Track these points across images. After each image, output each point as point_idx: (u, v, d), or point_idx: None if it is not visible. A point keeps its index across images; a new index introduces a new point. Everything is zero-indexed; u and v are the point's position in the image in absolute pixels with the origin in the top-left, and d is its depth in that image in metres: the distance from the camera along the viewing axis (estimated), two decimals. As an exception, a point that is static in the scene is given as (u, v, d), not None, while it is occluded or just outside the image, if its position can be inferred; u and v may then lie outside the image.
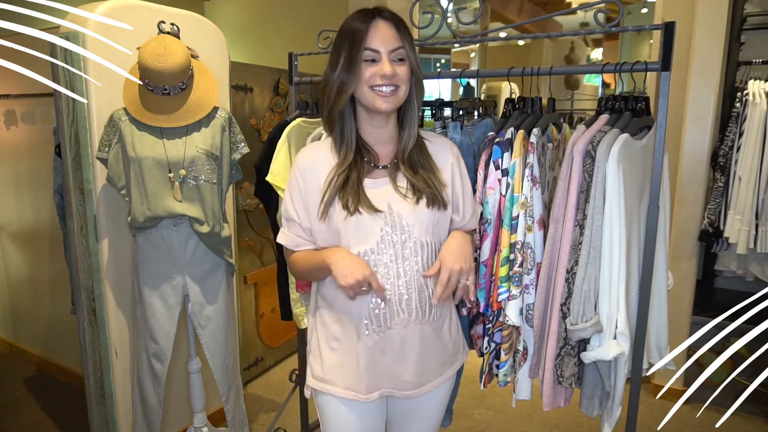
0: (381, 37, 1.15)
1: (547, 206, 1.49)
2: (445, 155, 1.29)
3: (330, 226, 1.20)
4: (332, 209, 1.19)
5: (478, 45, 5.47)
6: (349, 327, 1.23)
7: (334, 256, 1.16)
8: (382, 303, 1.19)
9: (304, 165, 1.25)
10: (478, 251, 1.46)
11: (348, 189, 1.18)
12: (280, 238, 1.30)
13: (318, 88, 1.25)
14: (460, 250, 1.20)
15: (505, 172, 1.42)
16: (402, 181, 1.22)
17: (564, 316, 1.36)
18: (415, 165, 1.24)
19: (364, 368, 1.23)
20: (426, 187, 1.21)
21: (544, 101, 1.57)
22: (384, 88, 1.16)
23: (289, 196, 1.27)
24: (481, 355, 1.58)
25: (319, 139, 1.45)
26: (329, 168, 1.22)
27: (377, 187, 1.21)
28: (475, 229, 1.43)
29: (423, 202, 1.20)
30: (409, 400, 1.30)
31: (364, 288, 1.12)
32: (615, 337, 1.33)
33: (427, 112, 1.70)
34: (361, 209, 1.17)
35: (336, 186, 1.18)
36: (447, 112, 1.67)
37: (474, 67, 5.67)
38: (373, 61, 1.16)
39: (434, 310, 1.24)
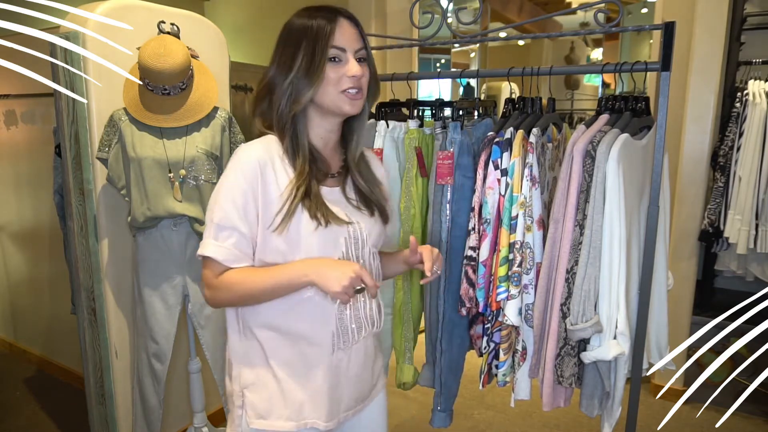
0: (347, 36, 1.07)
1: (547, 206, 1.49)
2: (381, 170, 1.27)
3: (289, 237, 1.06)
4: (295, 220, 1.06)
5: (478, 45, 5.46)
6: (310, 349, 1.11)
7: (314, 264, 1.03)
8: (352, 319, 1.12)
9: (261, 162, 1.07)
10: (477, 251, 1.46)
11: (312, 199, 1.07)
12: (211, 251, 1.05)
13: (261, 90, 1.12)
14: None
15: (504, 172, 1.42)
16: (351, 192, 1.16)
17: (564, 316, 1.36)
18: (364, 175, 1.19)
19: (327, 390, 1.12)
20: (374, 199, 1.18)
21: (544, 101, 1.57)
22: (352, 90, 1.07)
23: (231, 198, 1.05)
24: (481, 355, 1.58)
25: None
26: (284, 172, 1.09)
27: (332, 197, 1.13)
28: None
29: (377, 213, 1.17)
30: (359, 414, 1.23)
31: (359, 287, 1.00)
32: (615, 337, 1.33)
33: (427, 112, 1.70)
34: (330, 220, 1.07)
35: (299, 196, 1.06)
36: (447, 112, 1.67)
37: (474, 67, 5.66)
38: (338, 60, 1.06)
39: (382, 318, 1.21)
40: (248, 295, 1.07)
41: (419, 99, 1.83)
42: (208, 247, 1.05)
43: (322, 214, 1.06)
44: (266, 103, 1.11)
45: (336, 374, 1.13)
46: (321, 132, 1.14)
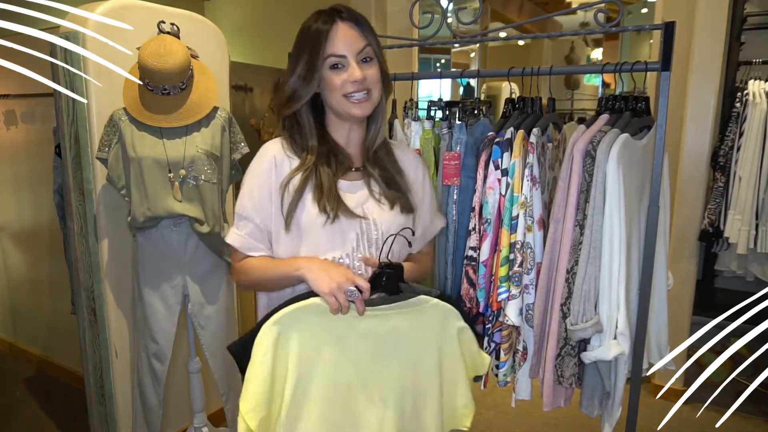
0: (345, 40, 1.09)
1: (547, 206, 1.49)
2: (410, 161, 1.27)
3: (295, 231, 1.12)
4: (303, 214, 1.11)
5: (478, 45, 5.46)
6: None
7: (305, 263, 1.07)
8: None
9: (278, 158, 1.15)
10: (478, 251, 1.46)
11: (325, 193, 1.11)
12: (231, 238, 1.17)
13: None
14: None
15: (504, 172, 1.42)
16: (375, 185, 1.18)
17: (564, 316, 1.36)
18: (383, 166, 1.20)
19: None
20: (399, 190, 1.19)
21: (544, 101, 1.56)
22: (356, 95, 1.10)
23: (249, 191, 1.15)
24: (481, 355, 1.58)
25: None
26: (290, 169, 1.15)
27: (352, 191, 1.16)
28: (429, 254, 1.38)
29: (398, 207, 1.17)
30: None
31: (349, 291, 1.01)
32: (615, 337, 1.33)
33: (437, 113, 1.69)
34: (340, 214, 1.11)
35: (303, 190, 1.12)
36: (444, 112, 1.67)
37: (474, 67, 5.66)
38: (340, 66, 1.10)
39: None
40: (258, 283, 1.17)
41: (419, 99, 1.82)
42: (229, 235, 1.18)
43: (332, 207, 1.09)
44: (275, 104, 1.17)
45: None
46: (342, 131, 1.19)
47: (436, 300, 1.10)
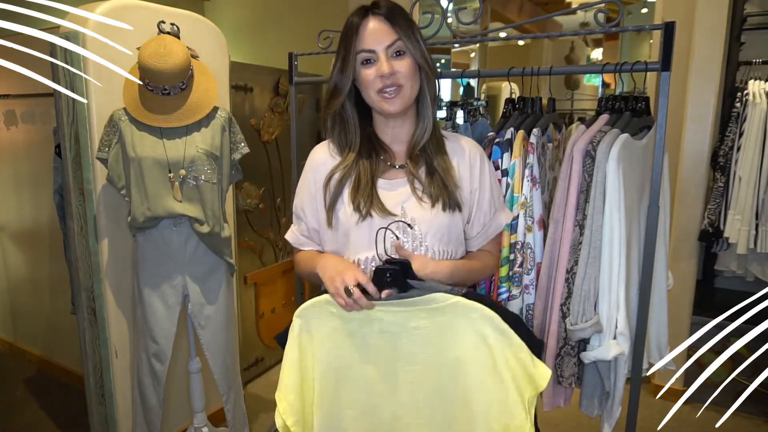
0: (374, 35, 1.08)
1: (547, 206, 1.49)
2: (464, 155, 1.20)
3: (339, 229, 1.14)
4: (341, 212, 1.13)
5: (478, 45, 5.46)
6: None
7: (322, 260, 1.12)
8: None
9: (317, 162, 1.21)
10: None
11: (360, 190, 1.11)
12: (288, 235, 1.29)
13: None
14: (437, 265, 1.10)
15: (504, 173, 1.42)
16: (419, 183, 1.15)
17: (564, 316, 1.36)
18: (430, 162, 1.15)
19: None
20: (443, 188, 1.14)
21: (544, 101, 1.56)
22: (387, 90, 1.09)
23: (300, 191, 1.24)
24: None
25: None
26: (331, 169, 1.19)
27: (392, 189, 1.14)
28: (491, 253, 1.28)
29: (439, 206, 1.13)
30: None
31: (352, 288, 1.00)
32: (615, 337, 1.33)
33: (441, 114, 1.69)
34: (373, 212, 1.09)
35: (342, 187, 1.14)
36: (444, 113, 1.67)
37: (474, 67, 5.66)
38: (371, 62, 1.10)
39: None
40: (304, 274, 1.24)
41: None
42: (288, 232, 1.28)
43: (365, 204, 1.09)
44: (324, 102, 1.20)
45: None
46: (385, 129, 1.19)
47: (456, 298, 0.99)
